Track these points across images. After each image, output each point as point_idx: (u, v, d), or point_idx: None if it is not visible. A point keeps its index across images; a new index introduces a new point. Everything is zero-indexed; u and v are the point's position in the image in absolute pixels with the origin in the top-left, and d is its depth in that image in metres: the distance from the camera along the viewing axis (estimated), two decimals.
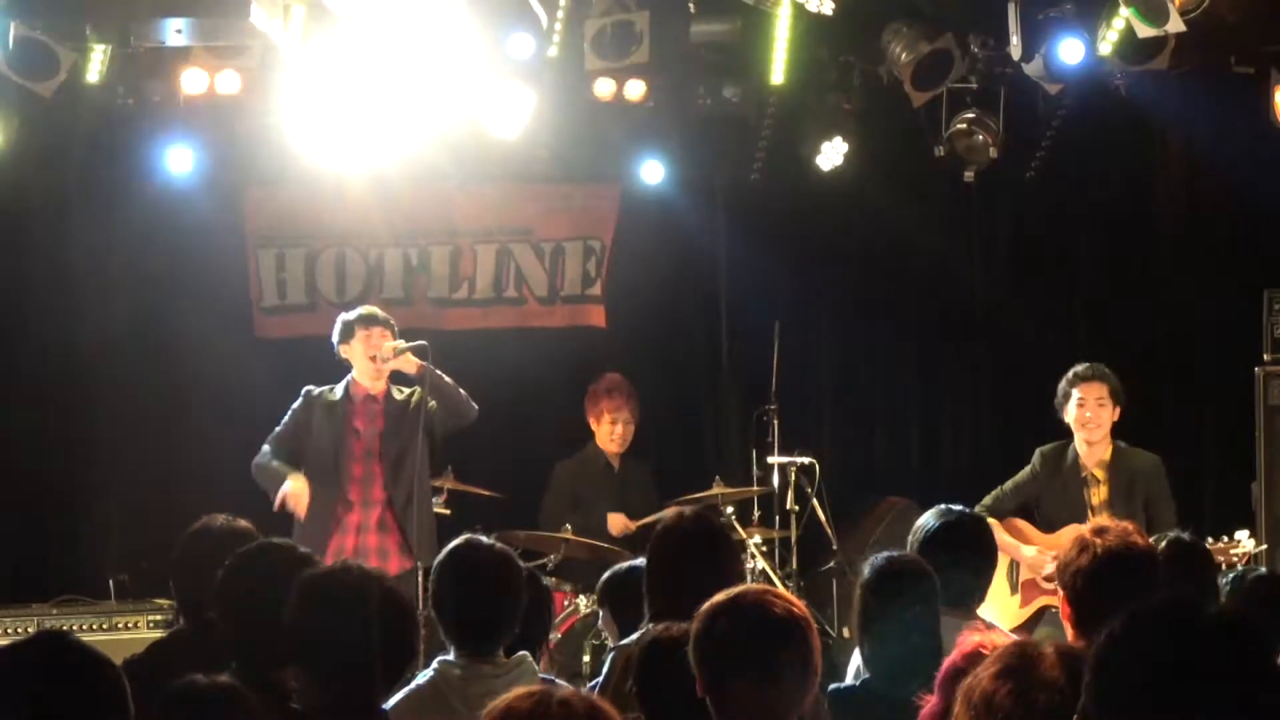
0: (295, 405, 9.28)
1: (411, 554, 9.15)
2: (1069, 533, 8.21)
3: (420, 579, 9.20)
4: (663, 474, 10.84)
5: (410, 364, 9.17)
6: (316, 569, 5.13)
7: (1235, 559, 8.56)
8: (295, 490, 9.01)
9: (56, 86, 9.06)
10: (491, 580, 5.38)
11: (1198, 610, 2.96)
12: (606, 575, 6.62)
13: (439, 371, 9.15)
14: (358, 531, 9.18)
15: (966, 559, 6.21)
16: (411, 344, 9.18)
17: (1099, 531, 5.62)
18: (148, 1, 9.08)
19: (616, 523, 10.33)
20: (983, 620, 5.82)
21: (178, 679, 4.25)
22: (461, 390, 9.29)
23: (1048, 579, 9.05)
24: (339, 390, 9.29)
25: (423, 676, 5.30)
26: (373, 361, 9.16)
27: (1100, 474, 9.15)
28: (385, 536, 9.22)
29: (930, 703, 4.29)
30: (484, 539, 5.56)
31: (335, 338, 9.31)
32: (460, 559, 5.46)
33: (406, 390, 9.32)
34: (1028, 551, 9.15)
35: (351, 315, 9.35)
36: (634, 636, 5.80)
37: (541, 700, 3.41)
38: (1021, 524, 9.30)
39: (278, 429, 9.26)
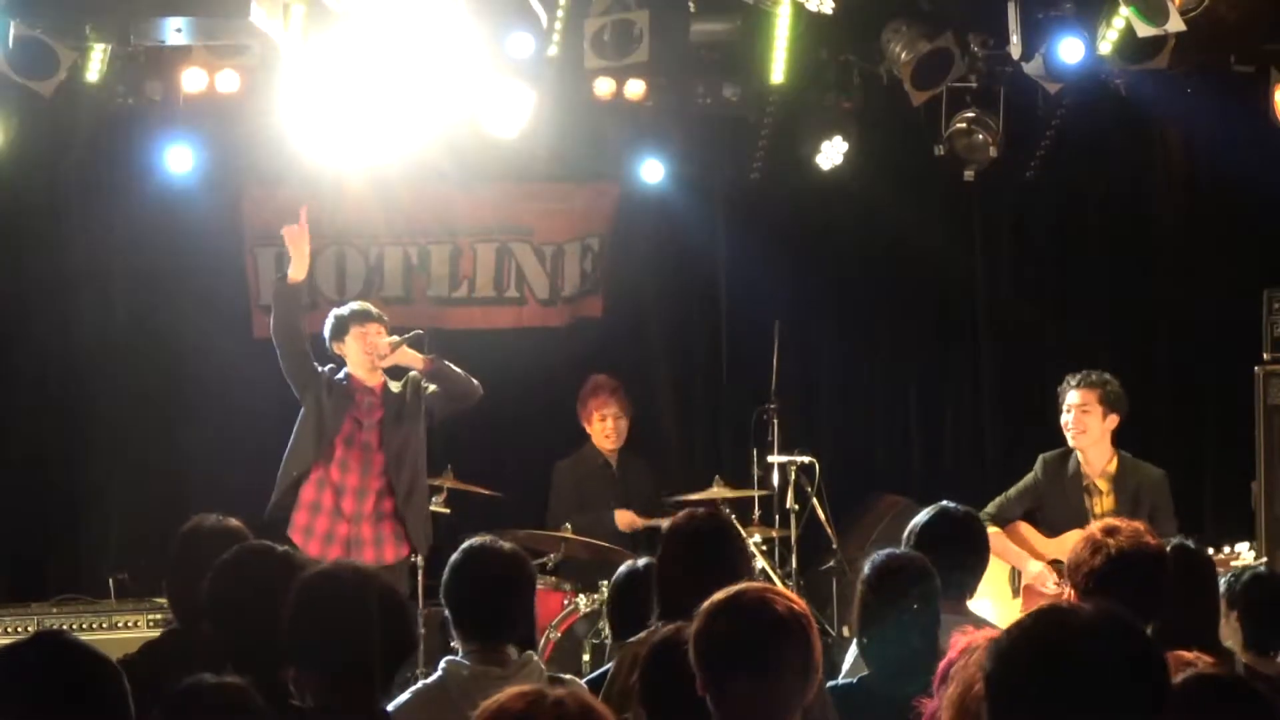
0: (323, 368, 9.27)
1: (409, 542, 9.23)
2: (1073, 537, 8.20)
3: (419, 570, 9.26)
4: (662, 473, 10.84)
5: (413, 359, 9.23)
6: (314, 570, 5.14)
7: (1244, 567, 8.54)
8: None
9: (56, 85, 9.05)
10: (504, 581, 5.43)
11: (1077, 609, 3.24)
12: (611, 580, 6.67)
13: (445, 361, 9.24)
14: (351, 521, 9.13)
15: (957, 554, 6.22)
16: (407, 334, 9.21)
17: (1111, 531, 5.63)
18: (147, 0, 9.07)
19: (624, 519, 10.36)
20: (970, 620, 5.82)
21: (171, 679, 4.25)
22: (468, 376, 9.34)
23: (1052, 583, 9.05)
24: (342, 380, 9.27)
25: (431, 676, 5.33)
26: (369, 358, 9.17)
27: (1104, 485, 9.13)
28: (381, 526, 9.19)
29: (932, 706, 4.29)
30: (497, 540, 5.60)
31: (327, 334, 9.30)
32: (475, 559, 5.50)
33: (400, 381, 9.33)
34: (1032, 567, 9.12)
35: (344, 311, 9.35)
36: (641, 635, 5.81)
37: (535, 700, 3.40)
38: (1025, 530, 9.28)
39: None
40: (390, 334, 9.24)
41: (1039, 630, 3.17)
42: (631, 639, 5.84)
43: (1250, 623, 6.19)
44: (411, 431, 9.30)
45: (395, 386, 9.33)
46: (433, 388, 9.33)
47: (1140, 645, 3.17)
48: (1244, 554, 8.79)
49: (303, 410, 9.21)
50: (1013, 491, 9.31)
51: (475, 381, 9.36)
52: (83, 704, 3.60)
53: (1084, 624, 3.14)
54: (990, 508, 9.10)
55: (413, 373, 9.37)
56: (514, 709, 3.40)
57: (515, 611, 5.47)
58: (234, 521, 6.24)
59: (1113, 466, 9.14)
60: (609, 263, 11.48)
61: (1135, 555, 5.54)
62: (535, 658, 5.53)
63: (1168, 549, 5.90)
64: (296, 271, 9.14)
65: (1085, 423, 9.09)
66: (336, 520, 9.12)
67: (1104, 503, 9.10)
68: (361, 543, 9.08)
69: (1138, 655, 3.16)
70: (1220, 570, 7.78)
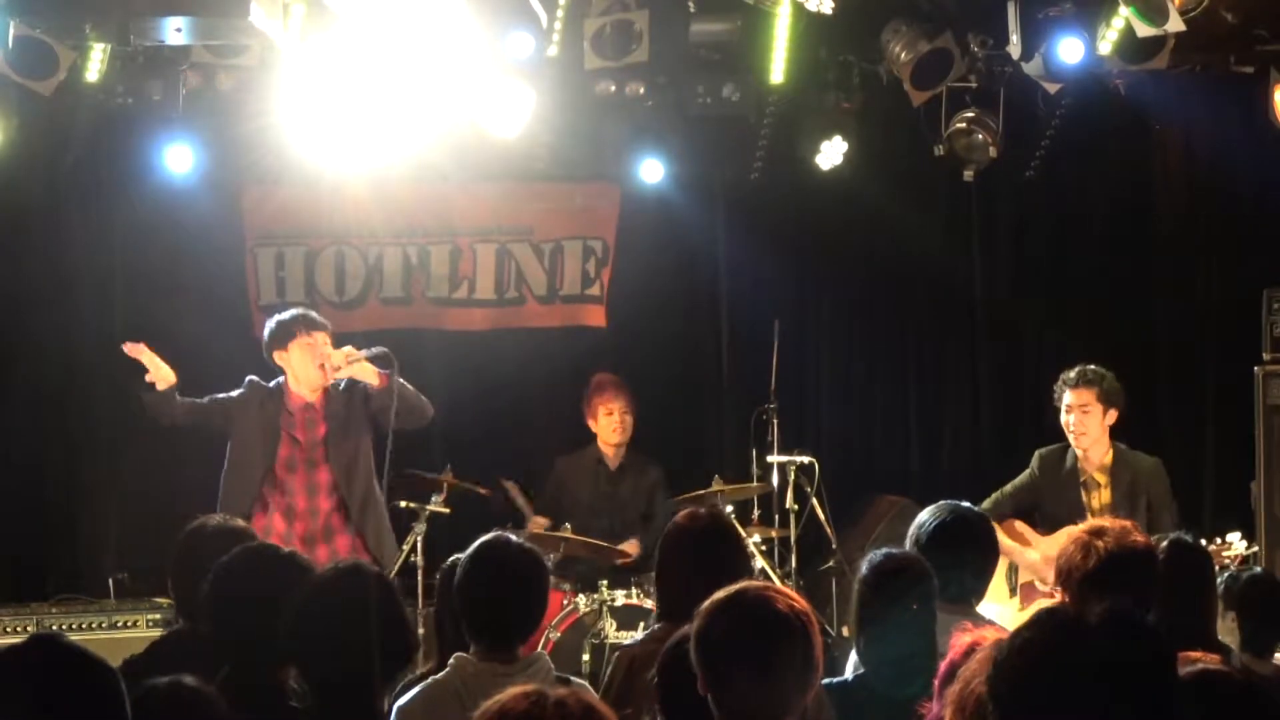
0: (239, 390, 9.01)
1: (369, 556, 8.72)
2: (1064, 534, 8.20)
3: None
4: (661, 472, 10.84)
5: (368, 374, 8.85)
6: (317, 575, 5.14)
7: (1227, 560, 8.53)
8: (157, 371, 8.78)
9: (56, 85, 9.05)
10: (519, 578, 5.42)
11: (1081, 615, 3.22)
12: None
13: (402, 380, 8.86)
14: (303, 542, 8.75)
15: (967, 556, 6.20)
16: (373, 351, 8.89)
17: (1098, 533, 5.63)
18: (147, 0, 9.06)
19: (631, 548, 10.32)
20: (971, 620, 5.81)
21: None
22: (421, 396, 8.99)
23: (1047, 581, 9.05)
24: (276, 394, 9.00)
25: (440, 673, 5.33)
26: (320, 370, 8.85)
27: (1101, 477, 9.14)
28: (334, 544, 8.89)
29: (933, 711, 4.29)
30: (512, 537, 5.59)
31: (268, 340, 8.99)
32: (490, 556, 5.48)
33: (342, 385, 9.00)
34: (1030, 555, 9.12)
35: (287, 317, 9.02)
36: (639, 637, 5.82)
37: (537, 700, 3.40)
38: (1021, 526, 9.28)
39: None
40: (340, 348, 8.90)
41: (1042, 638, 3.15)
42: (626, 642, 5.84)
43: (1247, 623, 6.19)
44: (359, 442, 8.97)
45: (335, 394, 8.99)
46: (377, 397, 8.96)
47: (1149, 649, 3.15)
48: (1235, 544, 8.77)
49: (231, 444, 8.96)
50: (1009, 488, 9.32)
51: (426, 400, 9.02)
52: (79, 708, 3.59)
53: (1089, 630, 3.11)
54: (985, 504, 9.09)
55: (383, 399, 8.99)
56: (516, 709, 3.40)
57: (527, 610, 5.45)
58: (239, 522, 6.25)
59: (1109, 459, 9.15)
60: (613, 272, 11.46)
61: (1124, 554, 5.55)
62: (545, 656, 5.52)
63: (1163, 544, 5.91)
64: (163, 380, 8.82)
65: (1086, 423, 9.09)
66: (290, 544, 8.42)
67: (1101, 496, 9.10)
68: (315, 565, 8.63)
69: (1147, 660, 3.14)
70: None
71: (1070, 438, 9.15)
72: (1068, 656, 3.11)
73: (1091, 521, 5.87)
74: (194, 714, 4.16)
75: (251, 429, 8.96)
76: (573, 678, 5.69)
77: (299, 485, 8.93)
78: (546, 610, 5.62)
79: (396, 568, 9.03)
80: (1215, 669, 3.88)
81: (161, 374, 8.84)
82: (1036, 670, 3.12)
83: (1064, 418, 9.16)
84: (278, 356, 8.98)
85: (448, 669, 5.32)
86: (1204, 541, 8.14)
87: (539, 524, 10.06)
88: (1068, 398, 9.13)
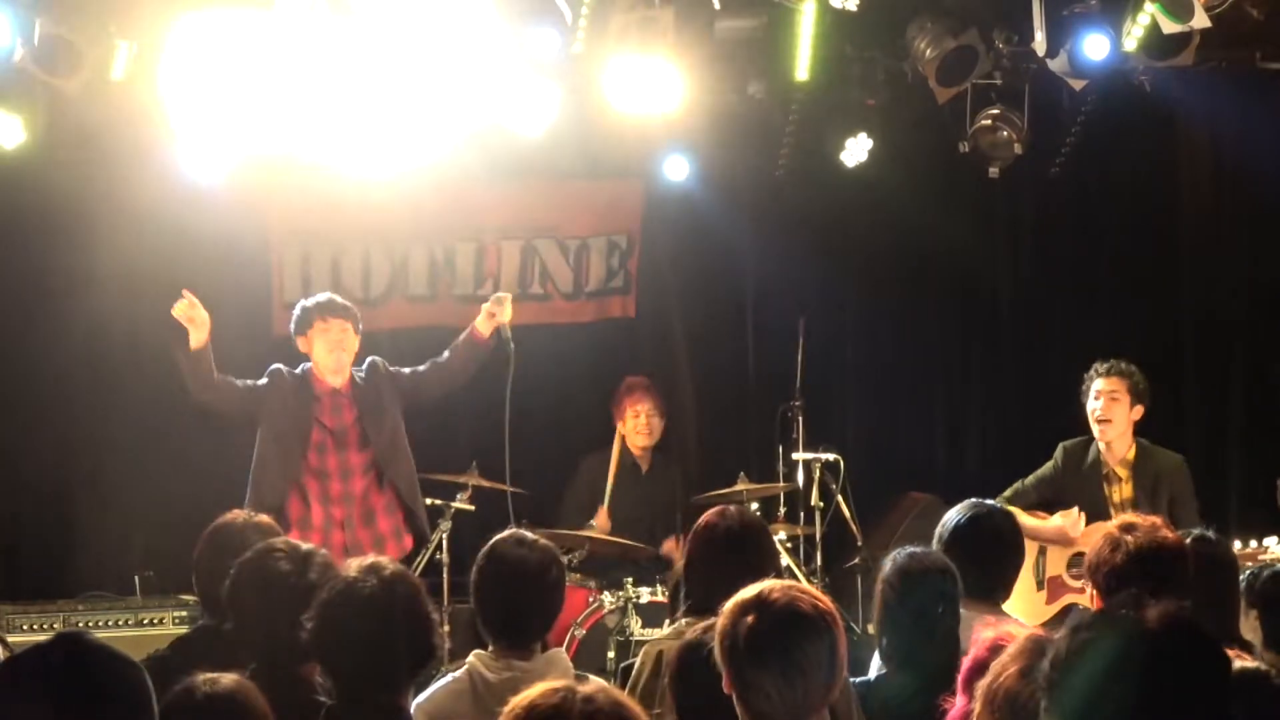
0: (264, 379, 9.13)
1: (411, 533, 9.09)
2: (1095, 529, 8.19)
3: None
4: (687, 471, 10.83)
5: (501, 317, 9.37)
6: (340, 577, 5.15)
7: (1264, 563, 8.50)
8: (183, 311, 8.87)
9: (81, 83, 9.07)
10: (534, 577, 5.42)
11: (1144, 615, 3.18)
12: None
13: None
14: (343, 527, 8.94)
15: (993, 554, 6.21)
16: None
17: (1128, 528, 5.62)
18: None
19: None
20: (994, 615, 5.81)
21: (201, 673, 4.28)
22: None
23: (1074, 576, 9.05)
24: (302, 380, 9.13)
25: (458, 670, 5.34)
26: (335, 356, 9.01)
27: (1123, 472, 9.14)
28: (376, 526, 9.01)
29: (957, 705, 4.29)
30: (528, 535, 5.59)
31: (293, 328, 9.17)
32: (504, 554, 5.48)
33: (363, 369, 9.19)
34: (1052, 523, 9.09)
35: (310, 303, 9.20)
36: (664, 632, 5.81)
37: (566, 696, 3.41)
38: (1043, 515, 9.29)
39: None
40: (359, 334, 9.13)
41: (1102, 639, 3.14)
42: (652, 638, 5.83)
43: (1270, 621, 6.16)
44: (397, 423, 9.15)
45: (360, 377, 9.16)
46: (408, 370, 9.29)
47: (1209, 653, 3.14)
48: (1273, 548, 8.74)
49: (260, 433, 9.06)
50: (1030, 479, 9.33)
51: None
52: (105, 705, 3.60)
53: (1150, 633, 3.10)
54: (1006, 493, 9.13)
55: (375, 359, 9.26)
56: (545, 705, 3.40)
57: (541, 608, 5.46)
58: (264, 518, 6.25)
59: (1131, 454, 9.15)
60: (639, 263, 11.47)
61: (1154, 550, 5.55)
62: (562, 653, 5.53)
63: (1186, 541, 5.90)
64: (197, 339, 8.89)
65: (1113, 410, 9.08)
66: (330, 530, 8.91)
67: (1123, 490, 9.11)
68: (359, 548, 8.65)
69: (1206, 663, 3.13)
70: (1248, 564, 7.77)
71: (1095, 428, 9.15)
72: (1129, 658, 3.10)
73: (1124, 518, 5.86)
74: (238, 711, 4.18)
75: (281, 417, 9.03)
76: (592, 676, 5.71)
77: (333, 469, 9.00)
78: (561, 608, 5.62)
79: (424, 562, 9.10)
80: (1254, 668, 3.88)
81: (199, 331, 8.87)
82: (1097, 671, 3.11)
83: (1091, 404, 9.15)
84: (300, 343, 9.13)
85: (464, 666, 5.33)
86: (1239, 545, 8.14)
87: (600, 526, 10.06)
88: (1098, 384, 9.13)
